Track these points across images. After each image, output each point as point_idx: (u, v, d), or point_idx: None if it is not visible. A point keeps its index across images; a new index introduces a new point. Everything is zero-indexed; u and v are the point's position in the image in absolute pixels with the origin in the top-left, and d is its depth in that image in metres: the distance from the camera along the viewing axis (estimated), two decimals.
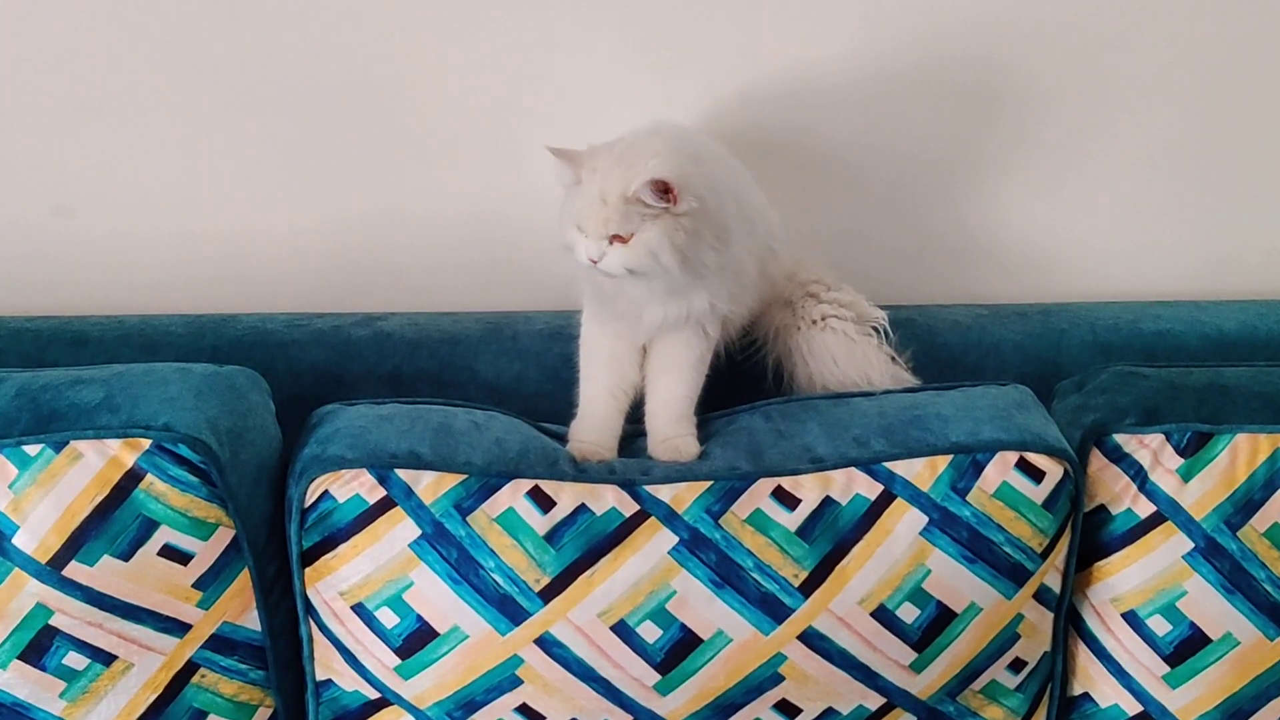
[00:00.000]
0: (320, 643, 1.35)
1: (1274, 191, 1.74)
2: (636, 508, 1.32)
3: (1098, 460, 1.40)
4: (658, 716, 1.33)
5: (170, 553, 1.28)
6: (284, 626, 1.36)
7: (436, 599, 1.29)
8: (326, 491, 1.30)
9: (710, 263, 1.32)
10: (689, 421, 1.41)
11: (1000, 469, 1.34)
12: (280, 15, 1.56)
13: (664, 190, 1.26)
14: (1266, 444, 1.39)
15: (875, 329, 1.51)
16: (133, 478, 1.26)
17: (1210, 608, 1.39)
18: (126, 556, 1.27)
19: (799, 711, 1.34)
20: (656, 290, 1.32)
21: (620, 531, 1.31)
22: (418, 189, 1.64)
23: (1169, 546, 1.39)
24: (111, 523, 1.26)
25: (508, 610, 1.29)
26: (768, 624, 1.31)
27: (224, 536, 1.30)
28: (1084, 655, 1.45)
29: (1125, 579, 1.40)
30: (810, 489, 1.33)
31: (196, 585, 1.30)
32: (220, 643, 1.32)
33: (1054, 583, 1.39)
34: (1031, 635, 1.40)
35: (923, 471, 1.34)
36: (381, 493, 1.29)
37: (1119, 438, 1.39)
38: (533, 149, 1.60)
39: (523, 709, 1.32)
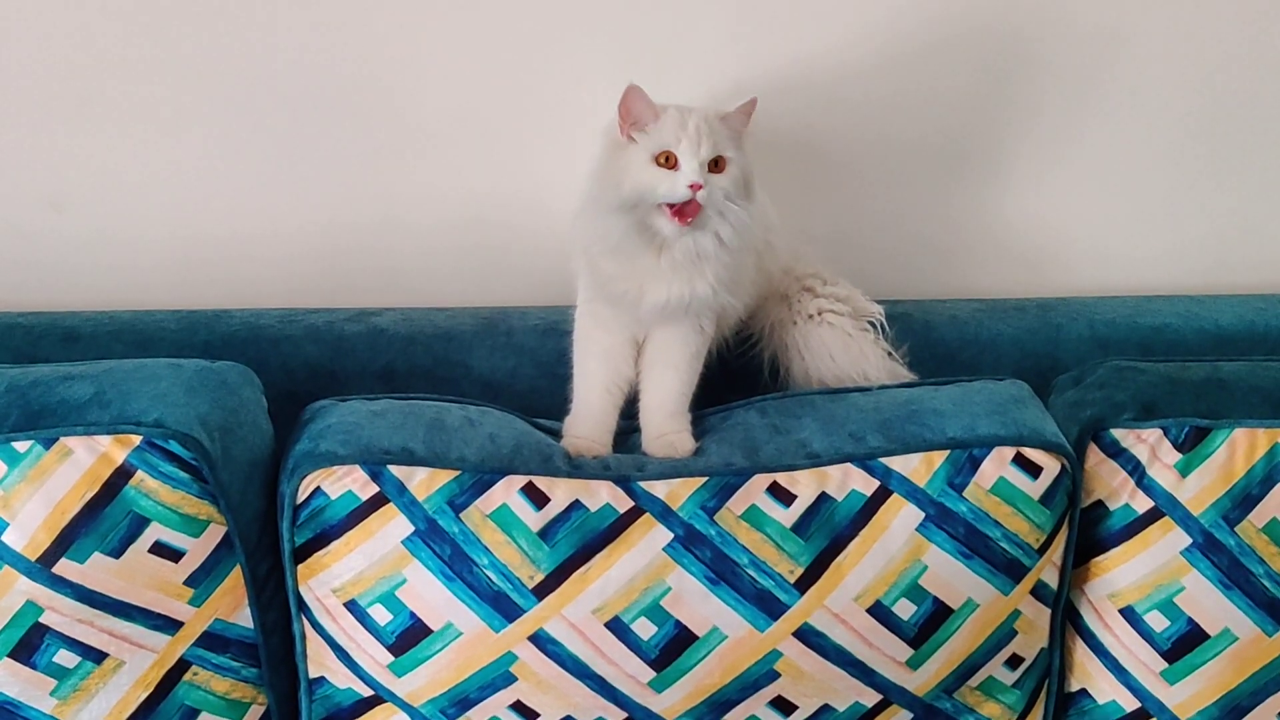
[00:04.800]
0: (313, 640, 1.34)
1: (1271, 186, 1.74)
2: (631, 504, 1.31)
3: (1095, 455, 1.39)
4: (653, 713, 1.32)
5: (161, 550, 1.28)
6: (276, 624, 1.35)
7: (430, 596, 1.29)
8: (319, 488, 1.29)
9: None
10: (684, 417, 1.40)
11: (997, 464, 1.34)
12: (273, 12, 1.56)
13: (749, 119, 1.33)
14: (1265, 439, 1.38)
15: (872, 324, 1.51)
16: (123, 474, 1.26)
17: (1208, 603, 1.38)
18: (117, 554, 1.26)
19: (794, 708, 1.34)
20: (706, 243, 1.31)
21: (615, 528, 1.30)
22: (411, 185, 1.63)
23: (1167, 542, 1.38)
24: (102, 520, 1.25)
25: (501, 607, 1.29)
26: (763, 620, 1.31)
27: (215, 533, 1.29)
28: (1081, 651, 1.44)
29: (1123, 575, 1.40)
30: (806, 485, 1.33)
31: (188, 582, 1.29)
32: (212, 640, 1.32)
33: (1051, 579, 1.39)
34: (1029, 631, 1.39)
35: (919, 467, 1.33)
36: (374, 489, 1.29)
37: (1116, 433, 1.39)
38: (526, 144, 1.61)
39: (517, 706, 1.31)
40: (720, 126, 1.30)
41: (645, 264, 1.33)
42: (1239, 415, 1.39)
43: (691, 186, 1.28)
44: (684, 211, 1.29)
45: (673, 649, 1.31)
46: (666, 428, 1.39)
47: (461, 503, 1.29)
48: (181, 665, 1.31)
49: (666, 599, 1.30)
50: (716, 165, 1.30)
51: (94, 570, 1.26)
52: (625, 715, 1.32)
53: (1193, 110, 1.69)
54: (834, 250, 1.61)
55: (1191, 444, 1.38)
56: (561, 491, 1.31)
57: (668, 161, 1.29)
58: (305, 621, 1.34)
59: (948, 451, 1.34)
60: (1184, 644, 1.40)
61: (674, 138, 1.29)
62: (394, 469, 1.29)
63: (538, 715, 1.32)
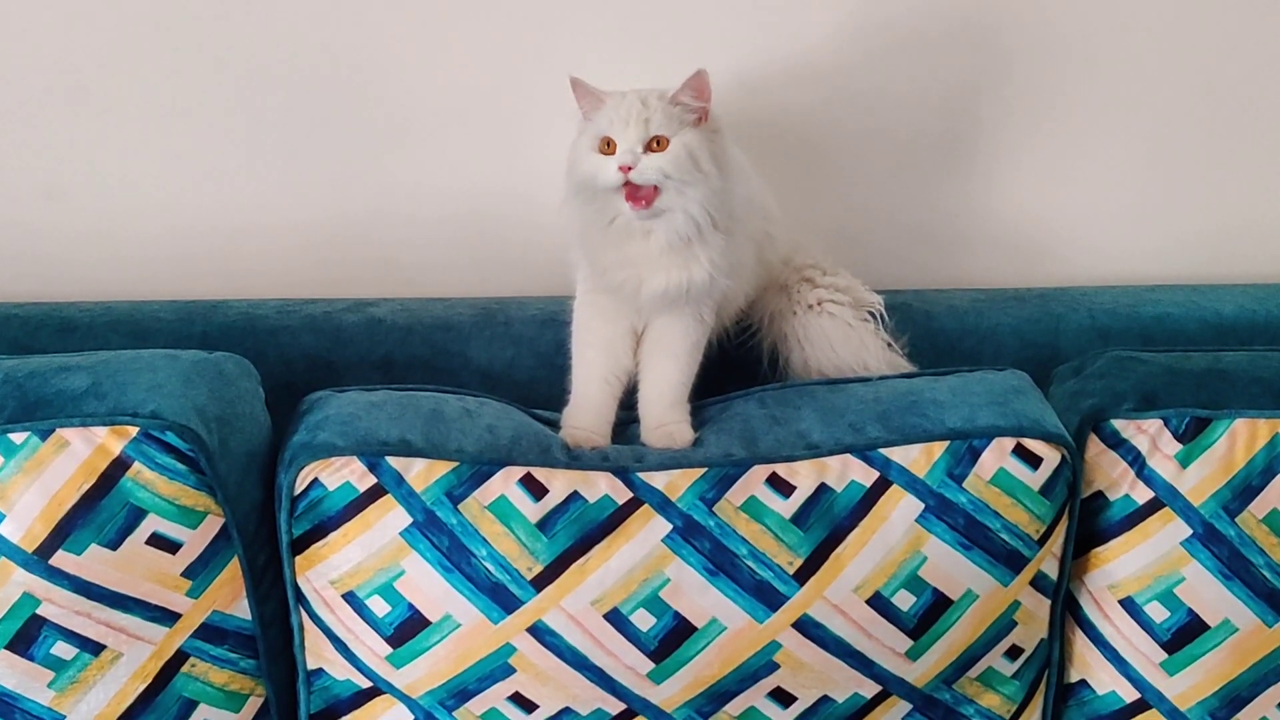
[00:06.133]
0: (311, 631, 1.34)
1: (1272, 175, 1.73)
2: (630, 495, 1.31)
3: (1095, 446, 1.39)
4: (651, 705, 1.32)
5: (159, 541, 1.27)
6: (274, 615, 1.35)
7: (428, 587, 1.28)
8: (316, 479, 1.29)
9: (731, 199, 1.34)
10: (683, 408, 1.40)
11: (997, 455, 1.33)
12: (270, 3, 1.55)
13: (702, 93, 1.29)
14: (1265, 429, 1.38)
15: (871, 314, 1.51)
16: (120, 466, 1.25)
17: (1208, 594, 1.38)
18: (114, 545, 1.26)
19: (794, 700, 1.34)
20: (680, 223, 1.30)
21: (613, 519, 1.30)
22: (410, 175, 1.63)
23: (1167, 533, 1.38)
24: (99, 511, 1.25)
25: (500, 599, 1.28)
26: (762, 612, 1.30)
27: (213, 525, 1.29)
28: (1081, 642, 1.44)
29: (1123, 565, 1.40)
30: (805, 476, 1.32)
31: (185, 574, 1.29)
32: (210, 632, 1.31)
33: (1051, 569, 1.38)
34: (1028, 622, 1.39)
35: (919, 458, 1.33)
36: (372, 480, 1.28)
37: (1117, 423, 1.39)
38: (524, 134, 1.61)
39: (515, 698, 1.31)
40: (663, 106, 1.29)
41: (637, 251, 1.33)
42: (1240, 405, 1.39)
43: (621, 169, 1.28)
44: (634, 195, 1.29)
45: (671, 640, 1.30)
46: (665, 418, 1.39)
47: (460, 494, 1.29)
48: (179, 657, 1.31)
49: (665, 590, 1.30)
50: (657, 145, 1.29)
51: (91, 562, 1.26)
52: (624, 707, 1.32)
53: (1194, 100, 1.68)
54: (834, 241, 1.60)
55: (1192, 434, 1.38)
56: (560, 483, 1.30)
57: (608, 147, 1.29)
58: (303, 613, 1.34)
59: (947, 442, 1.33)
60: (1184, 635, 1.39)
61: (608, 122, 1.29)
62: (392, 460, 1.29)
63: (536, 707, 1.32)
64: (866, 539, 1.32)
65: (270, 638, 1.35)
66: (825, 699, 1.34)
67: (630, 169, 1.28)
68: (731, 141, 1.37)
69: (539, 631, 1.29)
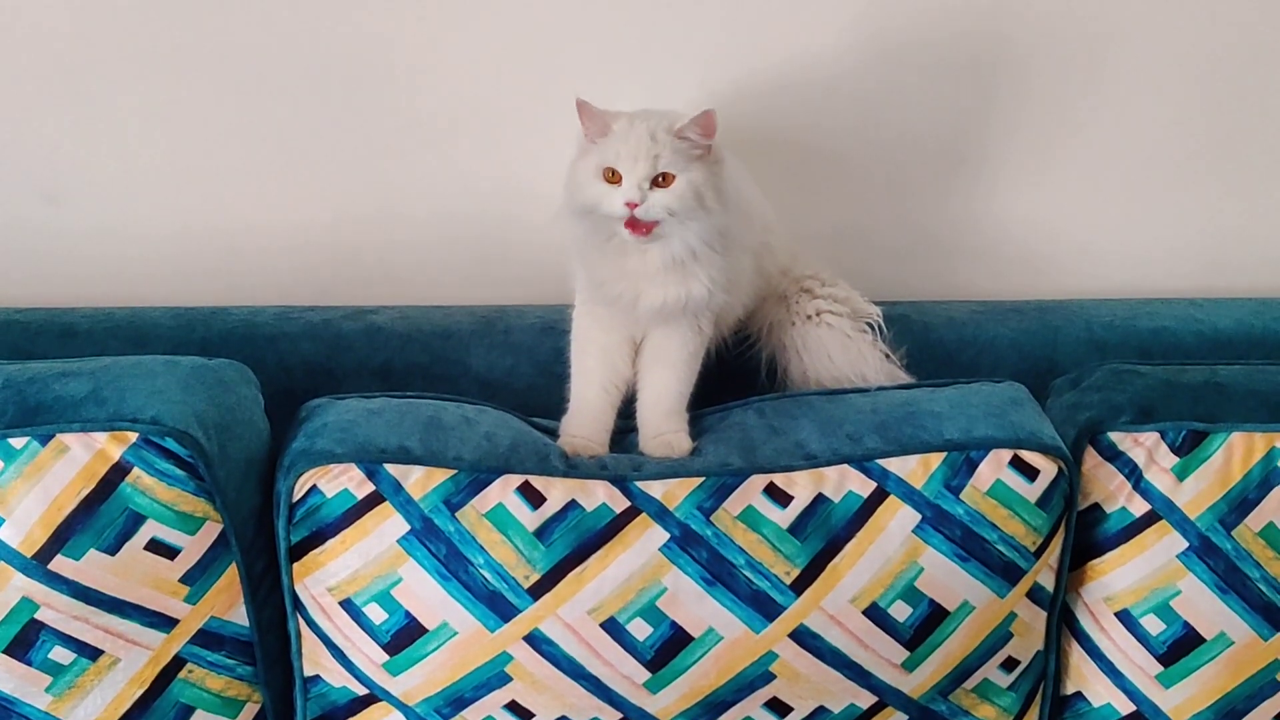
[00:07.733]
0: (308, 638, 1.34)
1: (1271, 189, 1.73)
2: (627, 504, 1.31)
3: (1092, 458, 1.39)
4: (648, 714, 1.32)
5: (157, 547, 1.27)
6: (272, 622, 1.35)
7: (425, 595, 1.29)
8: (315, 486, 1.29)
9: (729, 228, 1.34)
10: (681, 417, 1.40)
11: (994, 467, 1.33)
12: (270, 7, 1.55)
13: (709, 131, 1.29)
14: (1262, 443, 1.38)
15: (870, 325, 1.51)
16: (119, 471, 1.25)
17: (1204, 607, 1.38)
18: (113, 550, 1.26)
19: (790, 710, 1.34)
20: (677, 248, 1.31)
21: (611, 528, 1.30)
22: (410, 182, 1.63)
23: (1163, 545, 1.38)
24: (98, 516, 1.25)
25: (497, 607, 1.29)
26: (759, 622, 1.31)
27: (211, 531, 1.29)
28: (1077, 654, 1.44)
29: (1119, 578, 1.40)
30: (803, 486, 1.32)
31: (184, 580, 1.29)
32: (208, 638, 1.31)
33: (1047, 581, 1.39)
34: (1024, 634, 1.39)
35: (916, 469, 1.33)
36: (370, 488, 1.29)
37: (1114, 436, 1.39)
38: (525, 141, 1.61)
39: (512, 706, 1.31)
40: (670, 140, 1.29)
41: (635, 266, 1.33)
42: (1236, 419, 1.39)
43: (628, 204, 1.28)
44: (634, 225, 1.29)
45: (668, 650, 1.30)
46: (664, 427, 1.39)
47: (457, 502, 1.29)
48: (177, 663, 1.31)
49: (662, 599, 1.30)
50: (663, 180, 1.29)
51: (90, 567, 1.26)
52: (620, 716, 1.32)
53: (1191, 112, 1.68)
54: (832, 251, 1.60)
55: (1189, 447, 1.38)
56: (558, 491, 1.30)
57: (613, 176, 1.29)
58: (300, 620, 1.34)
59: (945, 453, 1.33)
60: (1180, 647, 1.39)
61: (614, 154, 1.29)
62: (390, 468, 1.29)
63: (533, 715, 1.32)
64: (863, 550, 1.32)
65: (267, 644, 1.35)
66: (821, 709, 1.34)
67: (636, 205, 1.28)
68: (729, 153, 1.37)
69: (536, 640, 1.29)
